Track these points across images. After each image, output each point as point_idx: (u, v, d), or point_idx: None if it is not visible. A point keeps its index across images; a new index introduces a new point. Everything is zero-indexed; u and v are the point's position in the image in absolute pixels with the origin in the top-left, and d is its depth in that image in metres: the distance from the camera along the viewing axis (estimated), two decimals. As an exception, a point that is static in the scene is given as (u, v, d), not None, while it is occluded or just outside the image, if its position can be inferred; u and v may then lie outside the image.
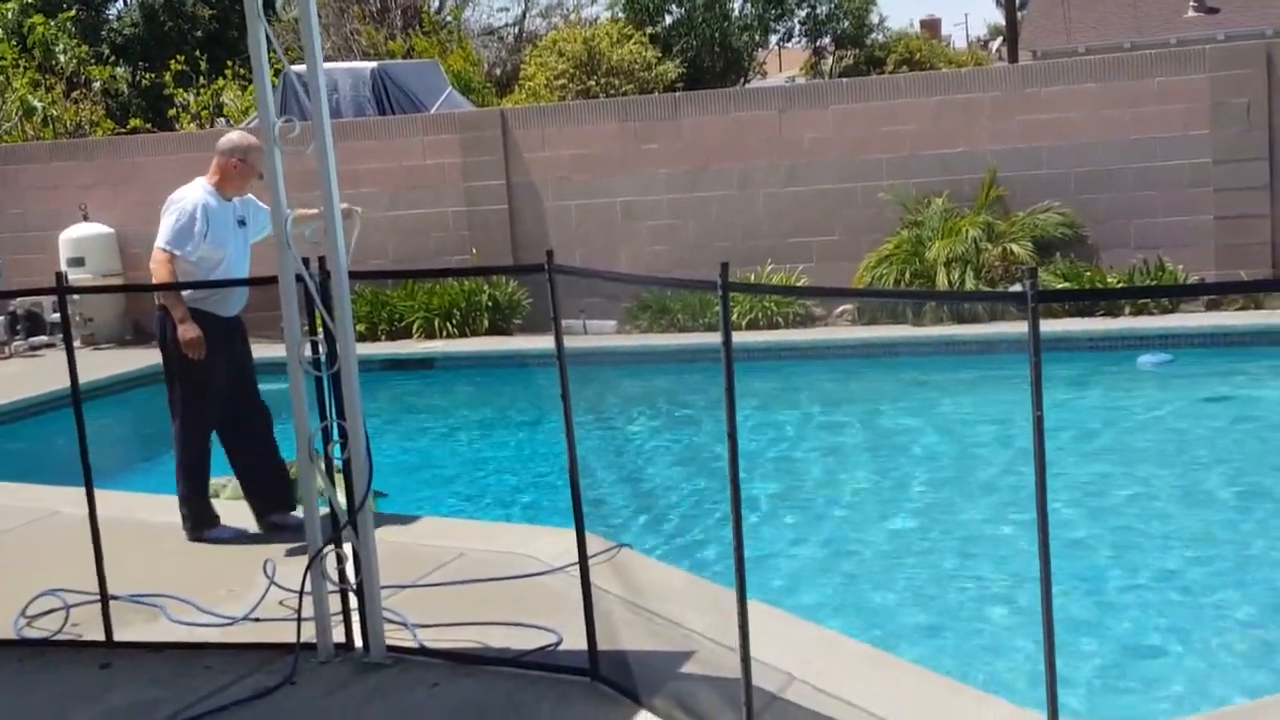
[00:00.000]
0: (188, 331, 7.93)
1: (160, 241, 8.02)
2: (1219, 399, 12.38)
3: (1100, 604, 7.40)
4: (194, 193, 8.19)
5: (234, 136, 8.37)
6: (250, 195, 8.39)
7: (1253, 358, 13.47)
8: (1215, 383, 12.94)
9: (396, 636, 6.14)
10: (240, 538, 8.22)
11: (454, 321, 16.75)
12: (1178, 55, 16.31)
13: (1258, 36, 28.45)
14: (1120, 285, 15.01)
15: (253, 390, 8.44)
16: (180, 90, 26.59)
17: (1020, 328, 4.06)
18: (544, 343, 5.97)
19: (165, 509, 8.52)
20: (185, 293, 7.94)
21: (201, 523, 8.26)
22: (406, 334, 16.84)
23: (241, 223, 8.33)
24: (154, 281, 8.09)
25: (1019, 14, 41.13)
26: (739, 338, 13.33)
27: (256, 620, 6.57)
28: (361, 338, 16.30)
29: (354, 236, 6.88)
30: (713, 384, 5.01)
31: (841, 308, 16.15)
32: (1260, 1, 39.52)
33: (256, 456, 8.38)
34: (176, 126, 26.30)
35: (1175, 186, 15.54)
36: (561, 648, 5.94)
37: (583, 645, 5.64)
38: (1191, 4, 41.30)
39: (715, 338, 4.87)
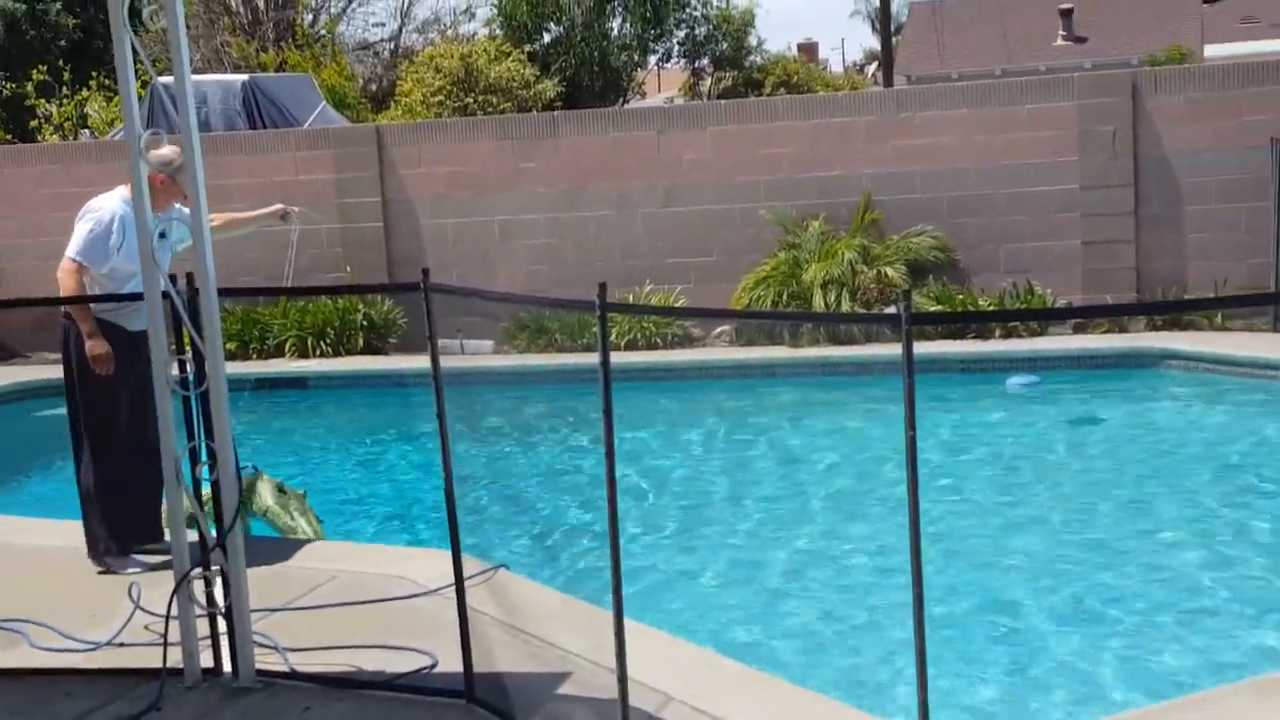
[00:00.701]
0: (96, 347, 7.58)
1: (70, 251, 7.67)
2: (1084, 420, 12.62)
3: (973, 621, 7.48)
4: (111, 202, 7.79)
5: (165, 151, 8.14)
6: (177, 205, 8.13)
7: (1117, 379, 13.76)
8: (1081, 404, 13.19)
9: (267, 661, 6.02)
10: (150, 569, 7.72)
11: (328, 340, 16.55)
12: (1047, 83, 16.63)
13: (1123, 65, 29.14)
14: (991, 308, 15.27)
15: (151, 414, 8.09)
16: (42, 101, 26.03)
17: (895, 349, 4.09)
18: (420, 362, 5.92)
19: (26, 531, 8.30)
20: (92, 304, 7.60)
21: (112, 551, 7.79)
22: (279, 353, 16.58)
23: (162, 235, 8.10)
24: (61, 293, 7.71)
25: (894, 40, 41.72)
26: (617, 358, 13.33)
27: (121, 645, 6.41)
28: (232, 356, 16.01)
29: (294, 241, 6.75)
30: (590, 405, 4.98)
31: (719, 329, 16.22)
32: (1126, 31, 40.53)
33: (136, 484, 7.77)
34: (39, 138, 25.74)
35: (1044, 212, 15.83)
36: (437, 670, 5.87)
37: (458, 668, 5.58)
38: (1060, 33, 42.23)
39: (593, 358, 4.85)
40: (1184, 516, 9.42)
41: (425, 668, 5.91)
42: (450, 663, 5.69)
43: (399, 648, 6.14)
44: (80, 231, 7.74)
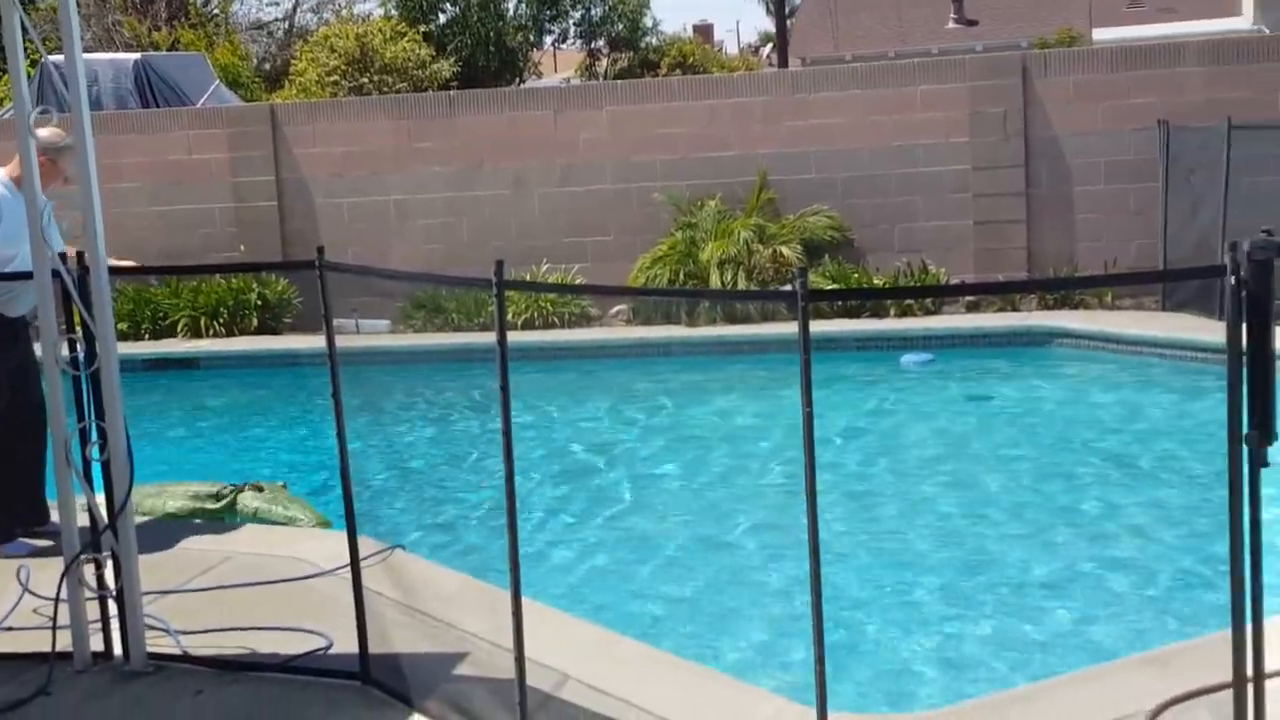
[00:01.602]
0: None
1: None
2: (976, 397, 12.79)
3: (870, 598, 7.55)
4: None
5: (44, 133, 7.86)
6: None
7: (1009, 357, 13.96)
8: (973, 381, 13.37)
9: (159, 644, 5.94)
10: (37, 553, 7.49)
11: (221, 320, 16.36)
12: (939, 65, 16.80)
13: (1014, 48, 29.50)
14: (886, 286, 15.42)
15: (32, 397, 7.65)
16: (-74, 78, 25.42)
17: (791, 328, 4.11)
18: (315, 342, 5.85)
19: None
20: None
21: None
22: (171, 333, 16.37)
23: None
24: None
25: (789, 22, 41.91)
26: (514, 337, 13.30)
27: (9, 629, 6.29)
28: (123, 336, 15.86)
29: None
30: (488, 383, 4.96)
31: (617, 308, 16.24)
32: (1016, 15, 41.02)
33: (18, 467, 7.61)
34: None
35: (937, 192, 16.01)
36: (332, 651, 5.82)
37: (354, 649, 5.54)
38: (952, 16, 42.65)
39: (490, 337, 4.83)
40: (1069, 491, 9.58)
41: (320, 649, 5.86)
42: (346, 644, 5.65)
43: (294, 629, 6.09)
44: None
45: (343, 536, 5.67)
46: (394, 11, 31.13)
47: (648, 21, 35.81)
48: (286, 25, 36.04)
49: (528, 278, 15.31)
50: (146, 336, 16.28)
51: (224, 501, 8.53)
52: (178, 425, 13.15)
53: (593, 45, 35.47)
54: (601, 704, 5.34)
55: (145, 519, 7.90)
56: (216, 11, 33.25)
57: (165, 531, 7.81)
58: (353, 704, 5.39)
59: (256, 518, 8.41)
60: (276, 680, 5.65)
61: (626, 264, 16.09)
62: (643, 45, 35.16)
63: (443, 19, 31.70)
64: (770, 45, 55.11)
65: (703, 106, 16.53)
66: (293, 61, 27.96)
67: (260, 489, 8.63)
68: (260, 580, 6.88)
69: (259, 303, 16.45)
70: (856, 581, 7.77)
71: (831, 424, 11.29)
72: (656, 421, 12.46)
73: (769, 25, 61.11)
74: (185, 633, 6.06)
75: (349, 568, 5.60)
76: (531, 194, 16.87)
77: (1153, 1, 49.64)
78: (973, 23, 42.36)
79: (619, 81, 25.75)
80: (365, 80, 24.92)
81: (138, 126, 17.68)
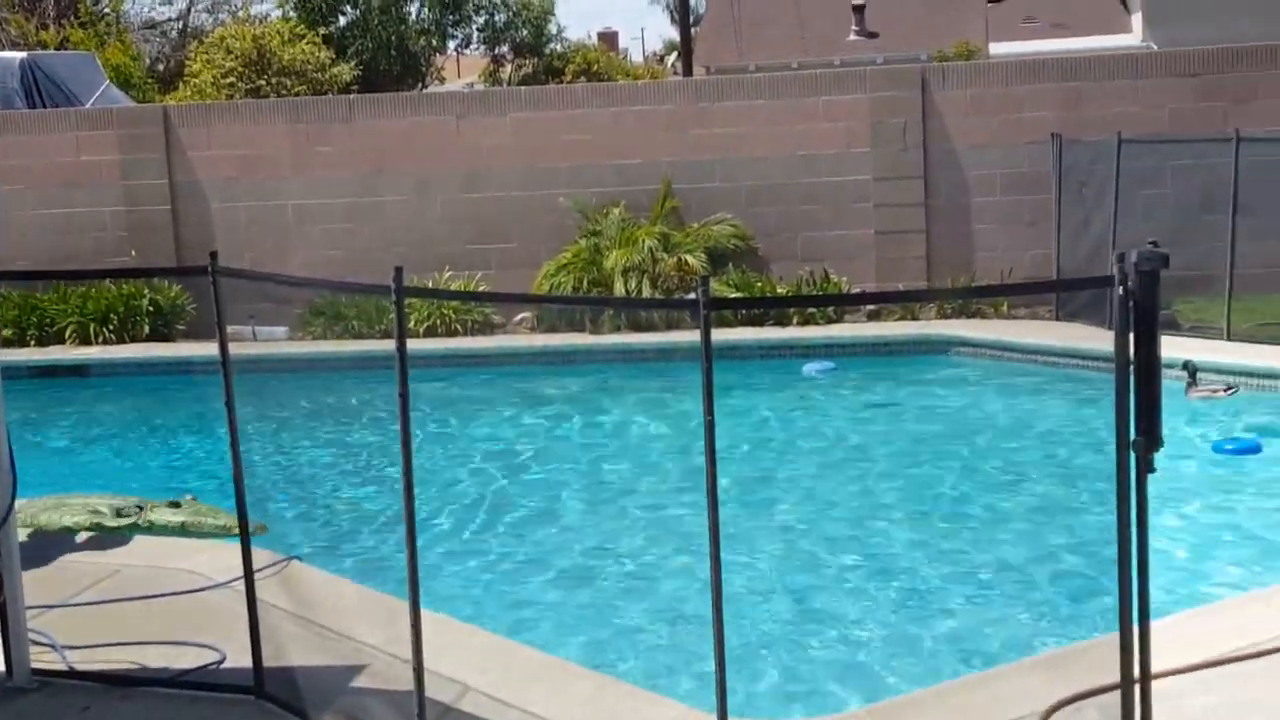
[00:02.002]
0: None
1: None
2: (877, 405, 12.88)
3: (769, 603, 7.56)
4: None
5: None
6: None
7: (909, 365, 14.09)
8: (875, 388, 13.47)
9: (45, 660, 5.80)
10: None
11: (111, 327, 16.06)
12: (841, 76, 16.93)
13: (913, 61, 29.78)
14: (788, 295, 15.49)
15: None
16: None
17: (695, 336, 4.11)
18: (209, 349, 5.75)
19: None
20: None
21: None
22: (59, 339, 16.04)
23: None
24: None
25: (693, 31, 42.05)
26: (416, 345, 13.17)
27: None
28: (8, 343, 15.55)
29: None
30: (389, 391, 4.90)
31: (521, 315, 16.16)
32: (916, 28, 41.47)
33: None
34: None
35: (839, 201, 16.12)
36: (225, 666, 5.72)
37: (248, 663, 5.45)
38: (854, 28, 43.01)
39: (391, 344, 4.77)
40: (963, 496, 9.69)
41: (213, 663, 5.76)
42: (239, 658, 5.56)
43: (185, 643, 5.97)
44: None
45: (237, 548, 5.57)
46: (292, 13, 30.81)
47: (552, 28, 35.78)
48: (181, 25, 35.56)
49: (430, 284, 15.19)
50: (33, 343, 15.93)
51: (127, 520, 8.32)
52: (67, 435, 12.90)
53: (497, 51, 35.33)
54: (503, 715, 5.30)
55: (29, 531, 7.72)
56: (107, 10, 32.69)
57: (53, 545, 7.64)
58: (246, 719, 5.30)
59: (185, 531, 8.22)
60: (167, 696, 5.54)
61: (531, 271, 16.03)
62: (547, 52, 35.10)
63: (343, 21, 31.42)
64: (675, 54, 55.24)
65: (607, 114, 16.51)
66: (187, 62, 27.56)
67: (177, 504, 8.43)
68: (151, 594, 6.75)
69: (151, 309, 16.18)
70: (757, 587, 7.77)
71: (734, 431, 11.30)
72: (560, 429, 12.41)
73: (674, 34, 61.20)
74: (72, 648, 5.92)
75: (242, 580, 5.50)
76: (434, 200, 16.75)
77: (1047, 17, 50.41)
78: (873, 35, 42.74)
79: (523, 88, 25.69)
80: (263, 83, 24.62)
81: (24, 128, 17.35)
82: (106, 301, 16.10)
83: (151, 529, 8.16)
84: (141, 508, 8.33)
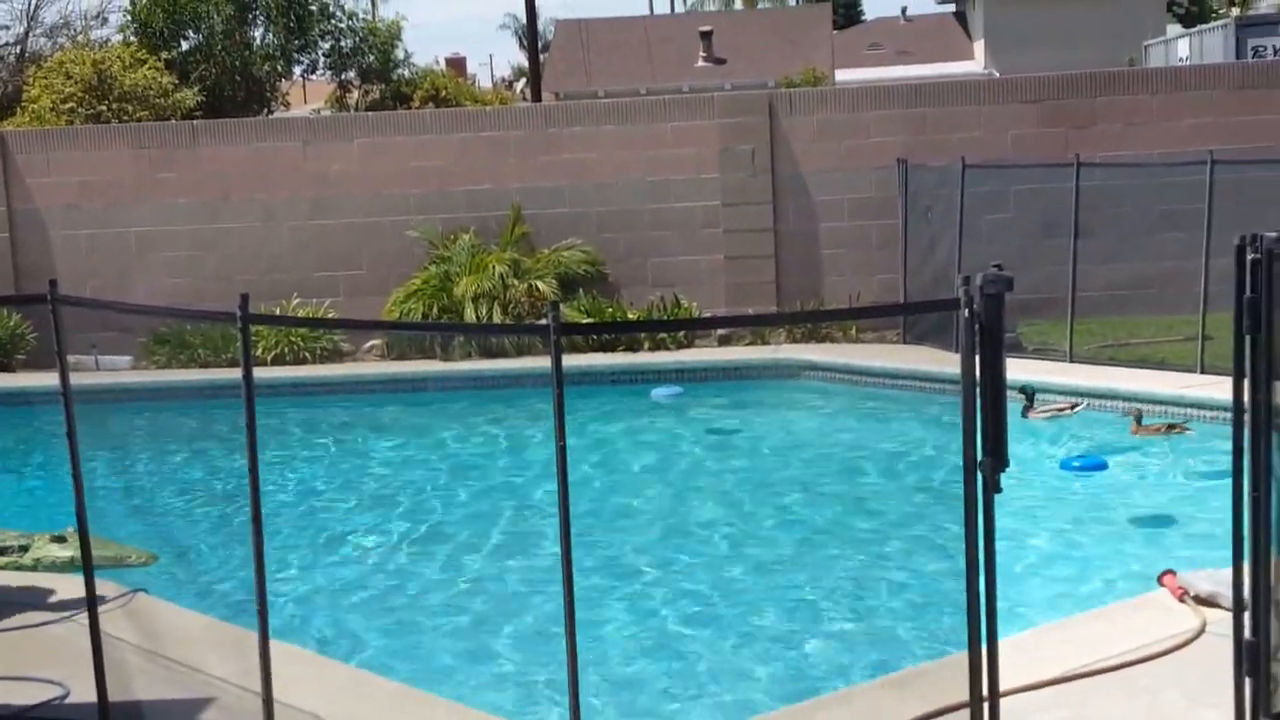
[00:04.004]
0: None
1: None
2: (724, 430, 12.98)
3: (620, 627, 7.58)
4: None
5: None
6: None
7: (760, 389, 14.23)
8: (724, 412, 13.58)
9: (-119, 699, 5.63)
10: None
11: (-53, 358, 15.61)
12: (689, 102, 17.09)
13: (760, 87, 30.16)
14: (638, 320, 15.56)
15: None
16: None
17: (545, 362, 4.12)
18: (50, 379, 5.63)
19: None
20: None
21: None
22: (-108, 371, 15.57)
23: None
24: None
25: (541, 57, 42.11)
26: (264, 373, 13.06)
27: None
28: None
29: None
30: (237, 420, 4.85)
31: (370, 343, 16.04)
32: (763, 54, 41.98)
33: None
34: None
35: (689, 227, 16.23)
36: (69, 701, 5.60)
37: (93, 697, 5.33)
38: (702, 54, 43.42)
39: (238, 373, 4.72)
40: (812, 518, 9.82)
41: (57, 698, 5.63)
42: (84, 692, 5.44)
43: (27, 678, 5.84)
44: None
45: (79, 580, 5.46)
46: (133, 38, 30.24)
47: (399, 54, 35.48)
48: (19, 50, 34.69)
49: (278, 312, 15.01)
50: None
51: (7, 559, 8.06)
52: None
53: (343, 77, 34.98)
54: (354, 746, 5.25)
55: None
56: (-59, 34, 31.85)
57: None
58: (91, 755, 5.19)
59: (75, 567, 7.99)
60: (9, 733, 5.40)
61: (380, 298, 15.91)
62: (395, 77, 34.80)
63: (185, 46, 30.89)
64: (524, 80, 55.28)
65: (455, 140, 16.47)
66: (25, 88, 26.91)
67: (63, 539, 8.20)
68: (-8, 628, 6.58)
69: (-11, 339, 15.77)
70: (607, 611, 7.79)
71: (585, 457, 11.32)
72: (409, 456, 12.34)
73: (522, 60, 61.35)
74: (-91, 686, 5.76)
75: (86, 613, 5.39)
76: (281, 226, 16.56)
77: (891, 45, 51.48)
78: (722, 61, 43.19)
79: (370, 113, 25.48)
80: (104, 108, 24.12)
81: None
82: (-60, 332, 15.66)
83: (37, 566, 7.95)
84: (26, 546, 8.11)
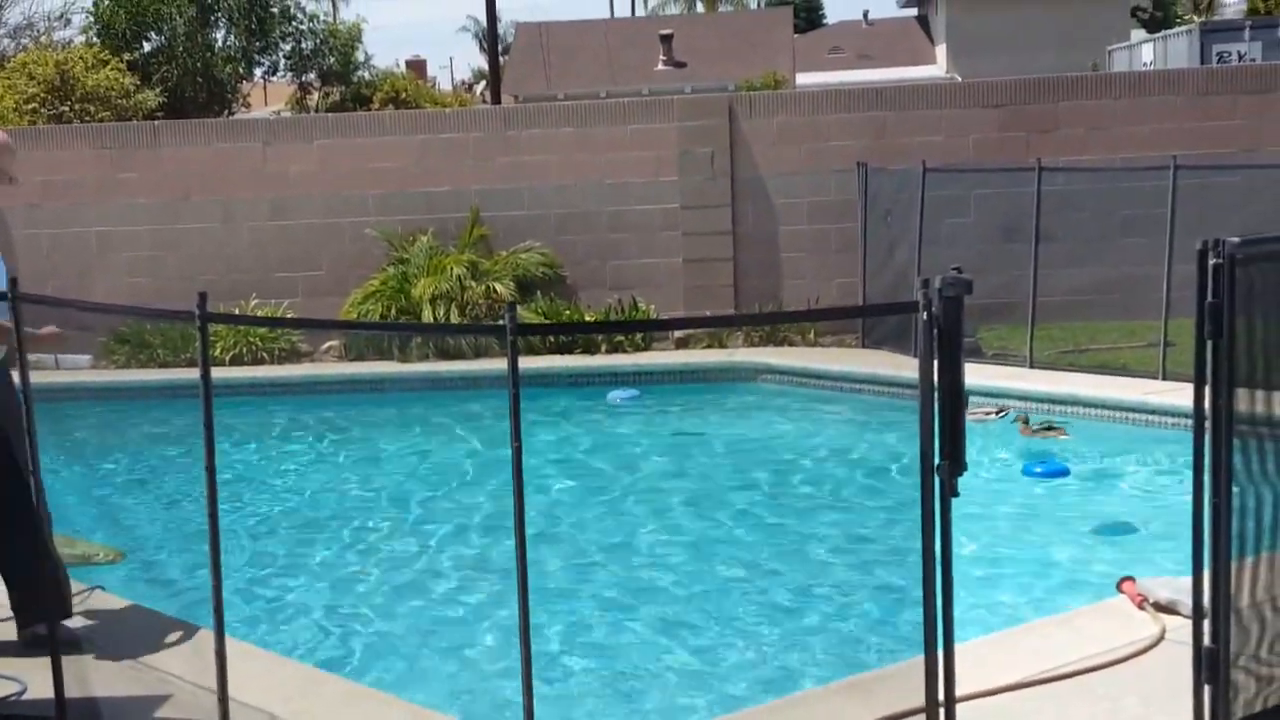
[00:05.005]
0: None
1: None
2: (684, 433, 13.01)
3: (576, 632, 7.60)
4: None
5: None
6: None
7: (716, 392, 14.26)
8: (682, 416, 13.61)
9: None
10: None
11: (-95, 356, 15.50)
12: (649, 104, 17.11)
13: (720, 90, 30.24)
14: (595, 321, 15.58)
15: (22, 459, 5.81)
16: None
17: (502, 364, 4.14)
18: (11, 378, 5.62)
19: None
20: None
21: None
22: None
23: None
24: None
25: (501, 60, 42.09)
26: (222, 373, 13.03)
27: None
28: None
29: None
30: (195, 420, 4.86)
31: (328, 344, 16.01)
32: (723, 58, 42.08)
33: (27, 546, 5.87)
34: None
35: (647, 230, 16.27)
36: (26, 697, 5.59)
37: (50, 693, 5.33)
38: (662, 57, 43.48)
39: (196, 373, 4.73)
40: (768, 523, 9.83)
41: (13, 694, 5.63)
42: (40, 689, 5.43)
43: (-17, 675, 5.82)
44: None
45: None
46: (96, 39, 30.10)
47: (360, 56, 35.46)
48: (-20, 50, 34.46)
49: (237, 312, 14.97)
50: None
51: None
52: None
53: (304, 78, 34.91)
54: (310, 744, 5.26)
55: None
56: (-98, 32, 31.64)
57: None
58: (47, 753, 5.19)
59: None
60: (-36, 731, 5.39)
61: (338, 299, 15.89)
62: (355, 79, 34.78)
63: (148, 48, 30.78)
64: (484, 83, 55.23)
65: (415, 141, 16.47)
66: (-12, 88, 26.75)
67: None
68: (-53, 627, 6.55)
69: (-53, 338, 15.66)
70: (565, 616, 7.80)
71: (541, 459, 11.34)
72: (366, 457, 12.33)
73: (482, 62, 61.29)
74: None
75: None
76: (240, 227, 16.52)
77: (852, 48, 51.68)
78: (681, 65, 43.27)
79: (329, 114, 25.45)
80: (66, 109, 24.01)
81: None
82: (-104, 331, 15.53)
83: None
84: None
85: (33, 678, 5.62)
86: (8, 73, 25.61)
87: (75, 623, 6.34)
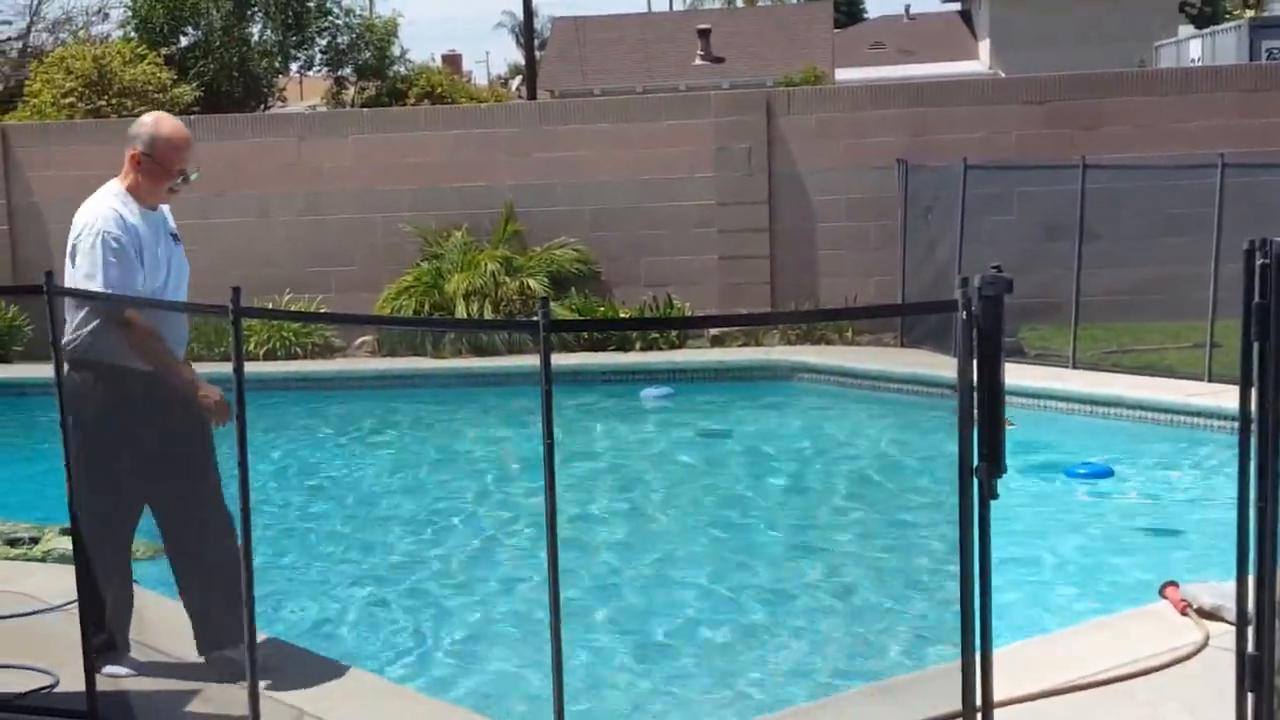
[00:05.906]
0: (211, 393, 5.82)
1: (96, 284, 5.69)
2: (716, 432, 12.93)
3: (608, 632, 7.55)
4: (101, 205, 6.09)
5: (144, 119, 6.22)
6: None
7: (752, 391, 14.17)
8: (716, 414, 13.53)
9: None
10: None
11: (-55, 349, 15.60)
12: (686, 100, 17.06)
13: (759, 86, 30.14)
14: (629, 317, 15.51)
15: (203, 470, 6.15)
16: None
17: (536, 360, 4.09)
18: (45, 371, 5.62)
19: None
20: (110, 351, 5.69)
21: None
22: (-115, 361, 15.56)
23: (175, 237, 6.33)
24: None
25: (538, 54, 42.10)
26: (255, 368, 13.03)
27: None
28: None
29: None
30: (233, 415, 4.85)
31: (361, 339, 16.02)
32: (762, 53, 41.98)
33: (213, 568, 5.78)
34: None
35: (683, 226, 16.20)
36: (59, 690, 5.59)
37: (82, 687, 5.32)
38: (699, 52, 43.40)
39: (229, 367, 4.72)
40: (804, 523, 9.76)
41: (45, 687, 5.63)
42: (73, 682, 5.43)
43: (16, 667, 5.84)
44: (90, 259, 5.86)
45: (70, 571, 5.46)
46: (134, 34, 30.24)
47: (396, 50, 35.47)
48: (21, 45, 34.66)
49: (270, 306, 15.00)
50: None
51: (18, 550, 8.04)
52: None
53: (339, 73, 34.98)
54: (340, 742, 5.23)
55: None
56: (-56, 29, 31.84)
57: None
58: (78, 746, 5.18)
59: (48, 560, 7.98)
60: (-3, 722, 5.40)
61: (372, 294, 15.88)
62: (390, 74, 34.80)
63: (185, 42, 30.91)
64: (519, 77, 55.27)
65: (450, 136, 16.45)
66: (27, 82, 26.89)
67: (13, 543, 8.19)
68: (-20, 618, 6.57)
69: (-14, 330, 15.77)
70: (595, 614, 7.75)
71: (573, 456, 11.29)
72: (400, 454, 12.32)
73: (518, 57, 61.37)
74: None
75: (77, 603, 5.39)
76: (274, 222, 16.54)
77: (893, 44, 51.45)
78: (719, 60, 43.17)
79: (365, 109, 25.48)
80: (103, 103, 24.11)
81: None
82: (-63, 322, 15.67)
83: (46, 559, 7.94)
84: (36, 539, 8.11)
85: (64, 672, 5.62)
86: (46, 67, 25.76)
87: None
